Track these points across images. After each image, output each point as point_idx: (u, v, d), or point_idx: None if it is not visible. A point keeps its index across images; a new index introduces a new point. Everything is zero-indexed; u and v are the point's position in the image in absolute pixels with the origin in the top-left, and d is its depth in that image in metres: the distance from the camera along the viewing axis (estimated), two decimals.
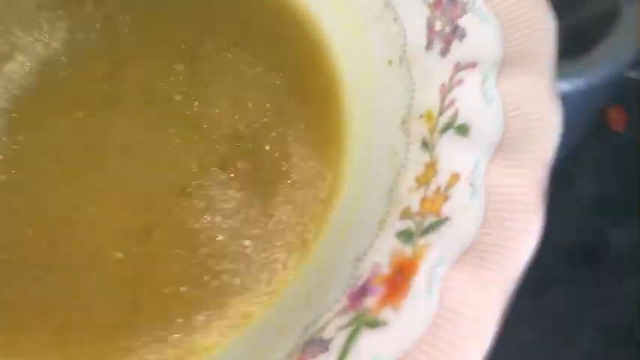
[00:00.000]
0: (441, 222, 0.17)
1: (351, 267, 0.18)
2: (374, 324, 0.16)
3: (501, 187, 0.16)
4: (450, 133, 0.18)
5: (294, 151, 0.24)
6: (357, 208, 0.21)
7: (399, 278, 0.17)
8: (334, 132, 0.24)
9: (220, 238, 0.22)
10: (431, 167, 0.18)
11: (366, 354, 0.15)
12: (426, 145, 0.19)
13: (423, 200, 0.18)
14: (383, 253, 0.18)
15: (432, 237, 0.17)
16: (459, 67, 0.20)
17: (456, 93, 0.19)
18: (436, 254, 0.16)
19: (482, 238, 0.16)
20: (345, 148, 0.24)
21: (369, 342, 0.16)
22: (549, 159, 0.16)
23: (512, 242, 0.15)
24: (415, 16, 0.22)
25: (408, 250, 0.17)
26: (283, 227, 0.22)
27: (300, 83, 0.26)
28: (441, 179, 0.18)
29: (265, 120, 0.25)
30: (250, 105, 0.25)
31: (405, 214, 0.18)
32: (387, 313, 0.16)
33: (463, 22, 0.21)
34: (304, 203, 0.22)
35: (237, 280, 0.21)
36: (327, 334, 0.17)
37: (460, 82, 0.19)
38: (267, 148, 0.24)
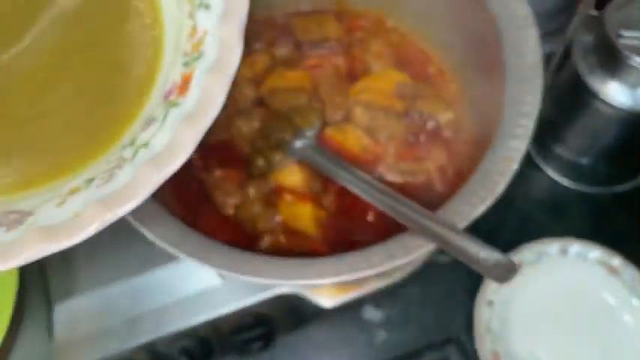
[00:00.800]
0: (200, 55, 0.35)
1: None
2: (175, 106, 0.35)
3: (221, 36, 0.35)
4: (201, 8, 0.36)
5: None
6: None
7: (184, 84, 0.35)
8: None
9: None
10: (193, 28, 0.36)
11: (172, 119, 0.34)
12: (192, 16, 0.37)
13: (193, 45, 0.36)
14: (177, 73, 0.36)
15: (197, 62, 0.35)
16: None
17: None
18: (198, 71, 0.35)
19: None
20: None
21: (174, 114, 0.35)
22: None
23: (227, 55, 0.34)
24: None
25: (188, 70, 0.36)
26: None
27: None
28: (199, 34, 0.36)
29: None
30: None
31: (184, 54, 0.36)
32: (180, 99, 0.35)
33: None
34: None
35: None
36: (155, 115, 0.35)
37: None
38: None
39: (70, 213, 0.29)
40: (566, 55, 0.56)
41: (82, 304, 0.51)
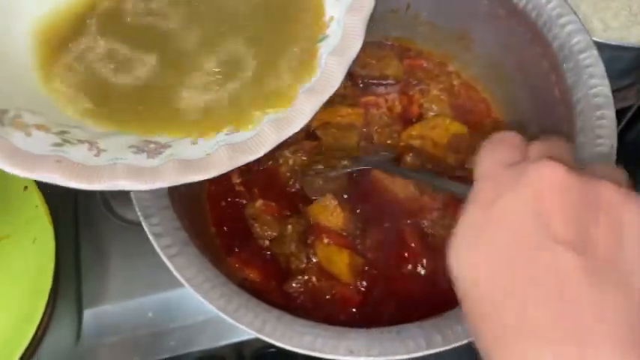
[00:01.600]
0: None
1: None
2: None
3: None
4: None
5: None
6: None
7: None
8: None
9: None
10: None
11: None
12: None
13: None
14: None
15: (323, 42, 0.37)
16: None
17: None
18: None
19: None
20: None
21: None
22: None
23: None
24: None
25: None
26: None
27: None
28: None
29: None
30: None
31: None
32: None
33: None
34: None
35: None
36: None
37: None
38: None
39: (202, 152, 0.33)
40: (635, 118, 0.53)
41: (111, 313, 0.52)
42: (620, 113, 0.56)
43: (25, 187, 0.53)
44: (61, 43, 0.38)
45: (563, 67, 0.39)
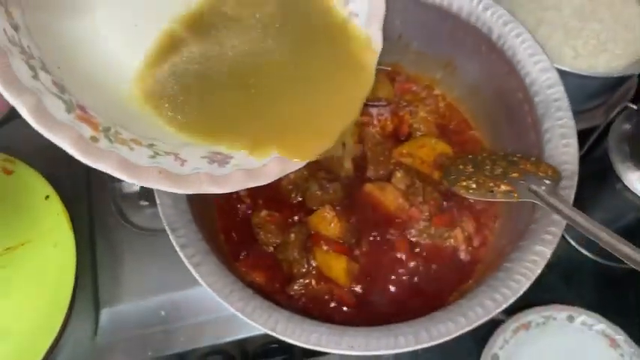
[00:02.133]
0: None
1: None
2: None
3: None
4: None
5: None
6: None
7: None
8: None
9: None
10: None
11: None
12: None
13: None
14: None
15: None
16: None
17: None
18: None
19: None
20: None
21: None
22: None
23: None
24: None
25: None
26: None
27: None
28: None
29: None
30: None
31: None
32: None
33: None
34: None
35: None
36: None
37: None
38: None
39: (259, 163, 0.40)
40: (601, 137, 0.59)
41: (127, 312, 0.56)
42: (589, 132, 0.63)
43: (47, 197, 0.57)
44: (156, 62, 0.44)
45: (534, 100, 0.45)
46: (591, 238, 0.39)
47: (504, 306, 0.38)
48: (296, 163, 0.40)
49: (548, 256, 0.39)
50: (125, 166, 0.35)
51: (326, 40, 0.46)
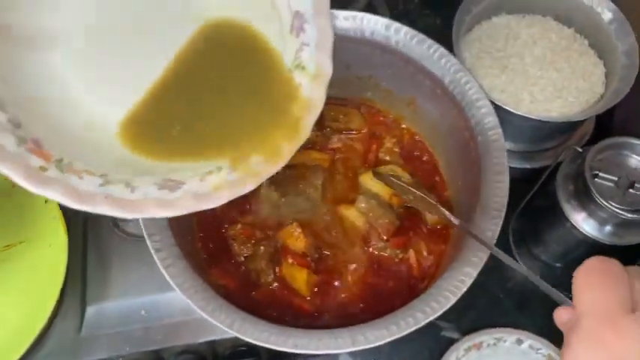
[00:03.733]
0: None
1: None
2: None
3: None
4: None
5: None
6: None
7: None
8: None
9: None
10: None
11: None
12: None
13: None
14: None
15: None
16: None
17: None
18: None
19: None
20: None
21: None
22: None
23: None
24: None
25: None
26: None
27: None
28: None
29: None
30: None
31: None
32: None
33: None
34: None
35: None
36: None
37: None
38: None
39: (210, 187, 0.42)
40: (551, 176, 0.64)
41: (110, 310, 0.62)
42: (544, 170, 0.68)
43: (46, 201, 0.64)
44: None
45: (477, 139, 0.51)
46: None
47: (432, 318, 0.43)
48: (244, 189, 0.43)
49: (474, 275, 0.44)
50: (71, 194, 0.38)
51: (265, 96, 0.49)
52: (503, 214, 0.46)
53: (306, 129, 0.45)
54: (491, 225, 0.46)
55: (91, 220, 0.67)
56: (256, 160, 0.45)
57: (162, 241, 0.46)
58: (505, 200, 0.47)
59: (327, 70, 0.46)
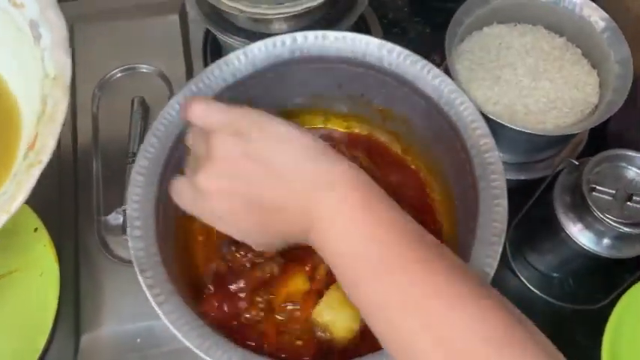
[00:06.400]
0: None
1: None
2: None
3: None
4: None
5: None
6: None
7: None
8: None
9: None
10: None
11: None
12: None
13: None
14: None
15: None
16: None
17: None
18: None
19: None
20: None
21: None
22: None
23: None
24: None
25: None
26: None
27: None
28: None
29: None
30: None
31: None
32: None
33: None
34: None
35: None
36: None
37: None
38: None
39: None
40: (549, 187, 0.64)
41: (105, 338, 0.61)
42: (542, 180, 0.68)
43: (36, 229, 0.62)
44: None
45: (474, 161, 0.50)
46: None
47: None
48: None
49: None
50: None
51: None
52: (502, 240, 0.45)
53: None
54: (490, 251, 0.45)
55: (81, 245, 0.65)
56: None
57: (155, 277, 0.45)
58: (504, 225, 0.46)
59: (66, 69, 0.46)
